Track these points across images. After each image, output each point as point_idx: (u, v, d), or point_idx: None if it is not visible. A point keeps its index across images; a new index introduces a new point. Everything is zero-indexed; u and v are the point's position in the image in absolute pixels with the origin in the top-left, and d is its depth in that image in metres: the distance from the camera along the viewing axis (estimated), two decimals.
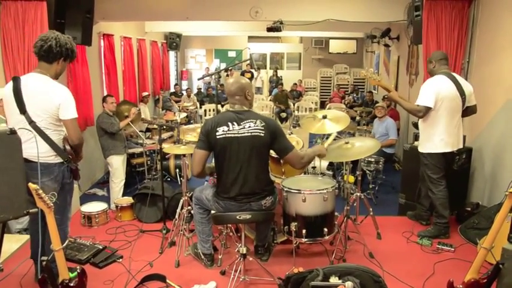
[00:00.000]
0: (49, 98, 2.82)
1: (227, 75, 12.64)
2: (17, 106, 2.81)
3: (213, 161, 3.18)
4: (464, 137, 4.52)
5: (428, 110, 3.81)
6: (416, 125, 5.14)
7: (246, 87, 3.10)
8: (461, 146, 4.02)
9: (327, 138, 3.72)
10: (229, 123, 3.00)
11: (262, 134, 3.00)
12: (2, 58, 4.22)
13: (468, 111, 3.99)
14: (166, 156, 6.20)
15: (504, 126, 4.09)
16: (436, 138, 3.86)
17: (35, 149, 2.70)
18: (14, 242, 3.50)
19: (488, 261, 3.09)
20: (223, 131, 2.99)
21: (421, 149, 4.03)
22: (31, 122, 2.80)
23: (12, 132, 2.26)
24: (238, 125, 3.00)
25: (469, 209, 4.28)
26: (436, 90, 3.77)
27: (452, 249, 3.80)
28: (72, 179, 3.11)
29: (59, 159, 2.93)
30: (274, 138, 3.04)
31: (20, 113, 2.80)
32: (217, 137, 2.99)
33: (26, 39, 4.24)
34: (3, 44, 4.21)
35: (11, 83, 2.87)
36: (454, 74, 3.91)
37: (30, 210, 2.39)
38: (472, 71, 4.76)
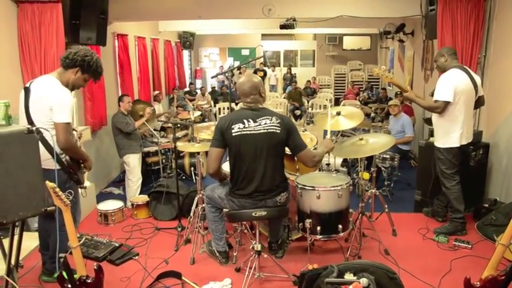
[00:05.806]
0: (44, 100, 2.88)
1: (240, 73, 12.64)
2: (26, 118, 2.91)
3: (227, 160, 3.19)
4: (481, 132, 4.46)
5: (447, 105, 3.79)
6: (427, 121, 5.06)
7: (259, 85, 3.09)
8: (472, 138, 4.01)
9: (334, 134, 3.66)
10: (245, 121, 3.00)
11: (279, 131, 3.00)
12: (20, 60, 4.29)
13: (478, 103, 3.99)
14: (181, 155, 6.24)
15: None
16: (456, 133, 3.85)
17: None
18: (34, 239, 3.56)
19: (506, 258, 3.04)
20: (239, 128, 2.99)
21: (438, 144, 3.99)
22: (38, 133, 2.85)
23: (30, 131, 2.30)
24: (254, 121, 3.00)
25: (486, 205, 4.23)
26: (454, 84, 3.76)
27: (469, 246, 3.75)
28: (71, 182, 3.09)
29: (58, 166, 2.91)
30: (289, 135, 3.04)
31: (28, 124, 2.88)
32: (233, 134, 2.99)
33: (43, 41, 4.30)
34: (20, 47, 4.27)
35: (22, 93, 2.96)
36: (465, 67, 3.93)
37: (48, 208, 2.42)
38: (488, 66, 4.67)
